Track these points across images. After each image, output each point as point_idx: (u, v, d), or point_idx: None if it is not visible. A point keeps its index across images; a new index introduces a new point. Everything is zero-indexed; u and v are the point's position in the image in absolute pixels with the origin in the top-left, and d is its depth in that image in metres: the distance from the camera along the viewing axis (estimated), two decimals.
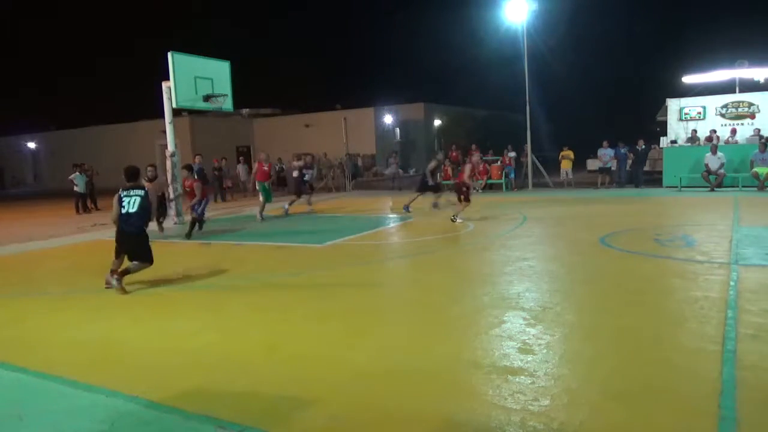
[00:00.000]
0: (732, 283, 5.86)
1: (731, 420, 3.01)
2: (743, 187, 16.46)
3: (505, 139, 24.58)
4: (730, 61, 21.22)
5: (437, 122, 40.02)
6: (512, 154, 21.64)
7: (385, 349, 4.42)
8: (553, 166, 21.94)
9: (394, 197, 19.25)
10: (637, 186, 18.66)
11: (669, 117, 19.97)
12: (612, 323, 4.84)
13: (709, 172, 16.78)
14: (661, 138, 21.11)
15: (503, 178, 20.49)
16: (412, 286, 6.89)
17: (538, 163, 21.33)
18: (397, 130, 38.77)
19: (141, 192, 6.71)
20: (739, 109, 18.73)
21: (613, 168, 19.83)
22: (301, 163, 15.10)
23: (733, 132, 18.30)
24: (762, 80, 20.35)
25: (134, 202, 6.61)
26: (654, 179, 19.76)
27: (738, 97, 19.11)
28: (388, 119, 38.04)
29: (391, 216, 13.87)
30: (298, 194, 14.87)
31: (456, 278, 6.82)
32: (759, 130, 17.61)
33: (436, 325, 4.99)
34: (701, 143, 18.17)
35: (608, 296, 5.77)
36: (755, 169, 16.13)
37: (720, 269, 6.59)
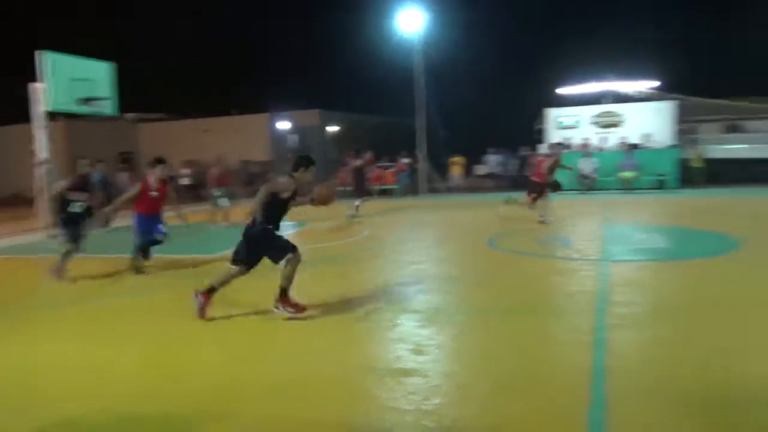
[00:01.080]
0: (602, 278, 6.42)
1: (601, 404, 3.30)
2: (612, 189, 18.12)
3: (402, 145, 25.15)
4: (600, 75, 23.17)
5: (333, 128, 40.10)
6: (406, 160, 22.19)
7: (280, 361, 4.36)
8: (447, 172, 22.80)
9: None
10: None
11: (547, 125, 21.44)
12: (499, 320, 5.11)
13: (583, 176, 18.34)
14: (538, 145, 22.61)
15: (397, 183, 20.98)
16: (305, 293, 6.85)
17: (433, 169, 22.06)
18: (292, 136, 38.36)
19: None
20: (609, 119, 20.52)
21: (499, 173, 21.02)
22: (188, 171, 14.52)
23: (604, 139, 20.04)
24: (631, 92, 22.39)
25: None
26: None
27: (607, 107, 20.94)
28: (283, 125, 37.57)
29: (288, 223, 13.68)
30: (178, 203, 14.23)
31: (349, 284, 6.86)
32: (625, 138, 19.40)
33: (330, 332, 5.00)
34: (576, 150, 19.71)
35: (496, 295, 6.08)
36: (622, 174, 17.86)
37: (592, 265, 7.20)
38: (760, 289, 5.83)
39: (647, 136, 19.21)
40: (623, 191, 17.67)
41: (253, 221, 5.10)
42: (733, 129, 24.17)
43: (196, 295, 5.25)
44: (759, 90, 24.87)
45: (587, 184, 18.30)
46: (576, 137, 20.17)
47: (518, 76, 44.73)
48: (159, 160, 7.62)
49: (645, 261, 7.46)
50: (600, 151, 19.30)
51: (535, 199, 10.95)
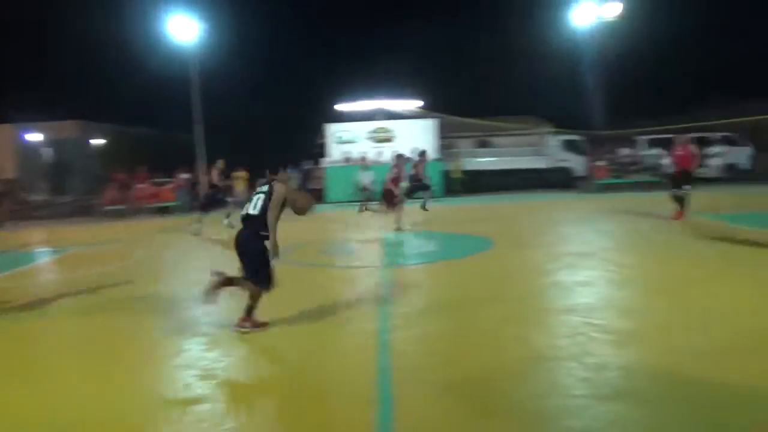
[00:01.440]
0: (384, 283, 6.84)
1: (388, 404, 3.49)
2: None
3: (179, 159, 23.74)
4: (373, 94, 24.85)
5: (98, 141, 36.15)
6: (186, 175, 21.03)
7: (59, 402, 3.74)
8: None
9: (53, 228, 16.61)
10: None
11: (327, 140, 22.28)
12: (285, 334, 5.09)
13: (361, 188, 19.41)
14: (321, 159, 23.38)
15: (177, 200, 19.75)
16: (82, 328, 6.03)
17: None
18: (46, 150, 33.58)
19: None
20: (382, 134, 22.10)
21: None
22: None
23: (379, 153, 21.49)
24: (400, 110, 24.37)
25: None
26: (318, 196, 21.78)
27: (381, 124, 22.53)
28: (34, 137, 32.68)
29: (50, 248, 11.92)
30: None
31: (130, 312, 6.23)
32: (397, 151, 21.05)
33: (111, 366, 4.46)
34: (355, 163, 20.82)
35: (281, 308, 6.04)
36: (402, 185, 19.31)
37: (375, 272, 7.62)
38: (511, 281, 6.79)
39: (416, 150, 21.09)
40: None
41: (253, 233, 4.88)
42: (484, 144, 27.90)
43: (242, 326, 4.98)
44: (504, 111, 29.16)
45: (366, 196, 19.42)
46: (354, 151, 21.28)
47: (301, 92, 45.68)
48: None
49: (420, 264, 8.16)
50: (377, 165, 20.66)
51: (390, 207, 11.56)
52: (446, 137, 26.05)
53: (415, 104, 23.98)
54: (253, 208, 4.96)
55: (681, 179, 11.07)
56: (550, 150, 23.59)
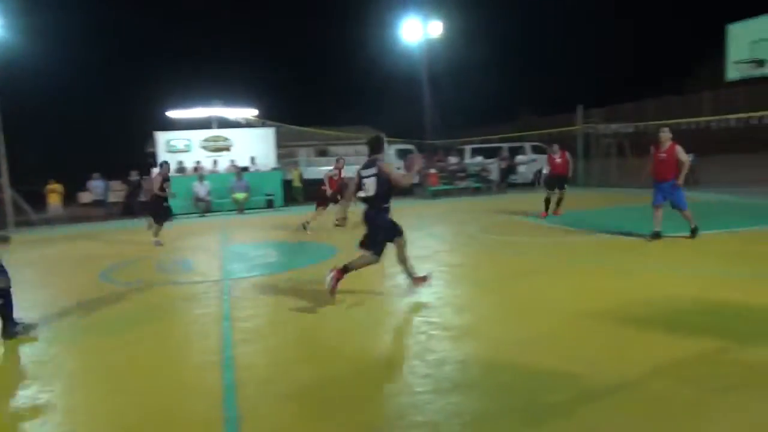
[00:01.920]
0: (225, 297, 6.57)
1: (234, 420, 3.35)
2: (227, 210, 18.81)
3: None
4: (207, 100, 23.81)
5: None
6: None
7: None
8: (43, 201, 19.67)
9: None
10: (135, 216, 18.75)
11: (158, 149, 20.85)
12: (123, 357, 4.66)
13: (198, 199, 18.51)
14: (152, 169, 21.84)
15: None
16: None
17: (20, 199, 18.68)
18: None
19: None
20: (218, 143, 21.25)
21: (108, 200, 19.44)
22: None
23: (215, 163, 20.64)
24: (236, 118, 23.61)
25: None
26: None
27: (216, 132, 21.66)
28: None
29: None
30: None
31: None
32: (234, 161, 20.40)
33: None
34: (190, 173, 19.75)
35: (120, 331, 5.52)
36: (235, 195, 18.71)
37: (215, 285, 7.29)
38: (356, 286, 6.93)
39: (253, 159, 20.67)
40: (237, 212, 18.55)
41: (376, 208, 5.65)
42: (323, 153, 28.24)
43: (331, 272, 5.65)
44: (341, 121, 29.78)
45: (202, 207, 18.55)
46: (188, 161, 20.20)
47: (126, 98, 42.27)
48: None
49: (263, 275, 7.97)
50: (212, 174, 19.82)
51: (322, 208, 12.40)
52: (285, 146, 25.90)
53: (251, 112, 23.47)
54: (368, 191, 5.79)
55: (556, 183, 12.50)
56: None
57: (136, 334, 5.35)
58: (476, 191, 21.81)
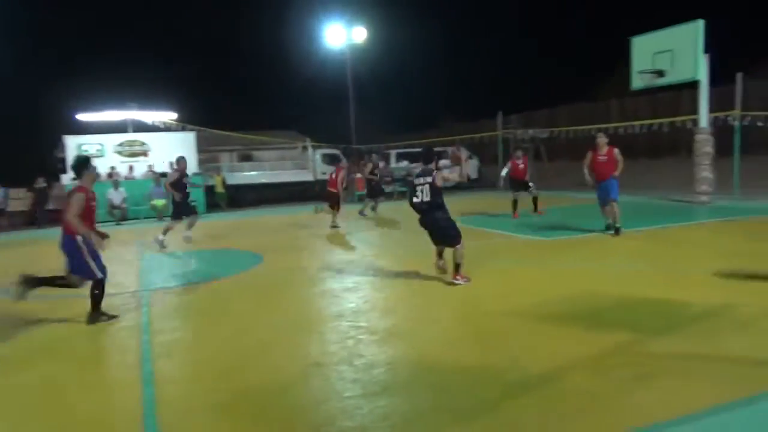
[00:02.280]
0: (144, 309, 6.27)
1: None
2: (145, 218, 17.98)
3: None
4: (121, 103, 22.72)
5: None
6: None
7: None
8: None
9: None
10: (39, 226, 17.58)
11: (68, 153, 19.65)
12: (37, 377, 4.34)
13: (113, 206, 17.59)
14: (61, 175, 20.56)
15: None
16: None
17: None
18: None
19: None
20: (134, 148, 20.31)
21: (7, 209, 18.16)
22: None
23: (131, 168, 19.69)
24: (152, 122, 22.66)
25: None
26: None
27: (132, 136, 20.69)
28: None
29: None
30: None
31: None
32: (152, 166, 19.57)
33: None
34: (103, 180, 18.73)
35: (33, 351, 5.14)
36: (153, 202, 17.92)
37: (132, 298, 6.94)
38: (282, 292, 6.82)
39: (173, 165, 19.93)
40: (156, 220, 17.77)
41: (436, 209, 6.53)
42: (246, 158, 27.63)
43: (456, 279, 6.57)
44: (265, 125, 29.27)
45: (118, 215, 17.66)
46: (102, 166, 19.16)
47: (32, 99, 39.54)
48: None
49: (185, 284, 7.68)
50: (128, 181, 18.91)
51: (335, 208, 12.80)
52: (206, 151, 25.16)
53: (169, 116, 22.62)
54: (424, 196, 6.55)
55: (520, 185, 13.05)
56: (312, 163, 24.35)
57: (48, 351, 5.01)
58: (402, 195, 22.07)
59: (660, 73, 13.75)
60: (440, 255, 6.82)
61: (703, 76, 13.25)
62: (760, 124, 15.86)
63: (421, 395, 3.67)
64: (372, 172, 15.99)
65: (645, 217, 11.82)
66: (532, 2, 54.66)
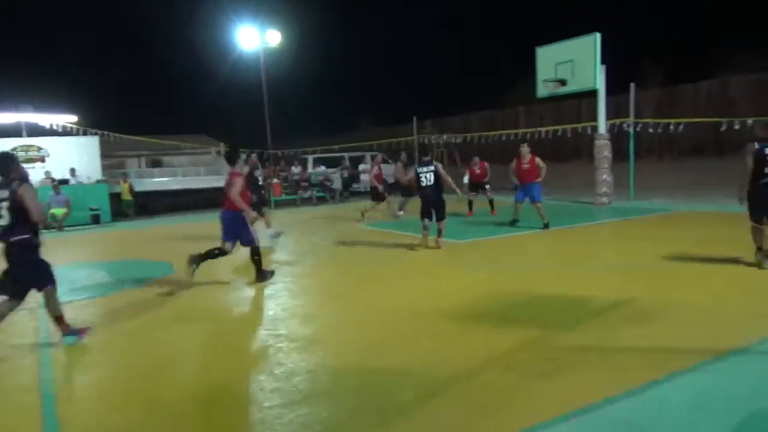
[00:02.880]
0: (43, 326, 5.84)
1: None
2: (44, 228, 16.70)
3: None
4: (14, 104, 21.08)
5: None
6: None
7: None
8: None
9: None
10: None
11: None
12: None
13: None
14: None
15: None
16: None
17: None
18: None
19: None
20: (29, 153, 18.90)
21: None
22: None
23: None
24: (50, 125, 21.15)
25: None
26: None
27: (27, 140, 19.24)
28: None
29: None
30: None
31: None
32: (50, 173, 18.29)
33: None
34: None
35: None
36: (52, 211, 16.68)
37: (29, 314, 6.44)
38: (197, 303, 6.58)
39: (74, 171, 18.75)
40: (56, 229, 16.60)
41: (437, 191, 8.91)
42: (156, 164, 26.44)
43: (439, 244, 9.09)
44: (175, 129, 28.14)
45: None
46: None
47: None
48: None
49: (89, 298, 7.23)
50: None
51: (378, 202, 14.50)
52: (111, 156, 23.88)
53: (68, 119, 21.21)
54: (429, 181, 8.76)
55: (477, 187, 13.87)
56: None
57: None
58: (320, 200, 21.97)
59: (563, 83, 14.58)
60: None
61: (600, 85, 14.18)
62: (651, 130, 17.22)
63: (342, 401, 3.67)
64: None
65: (552, 217, 12.48)
66: (444, 12, 56.30)
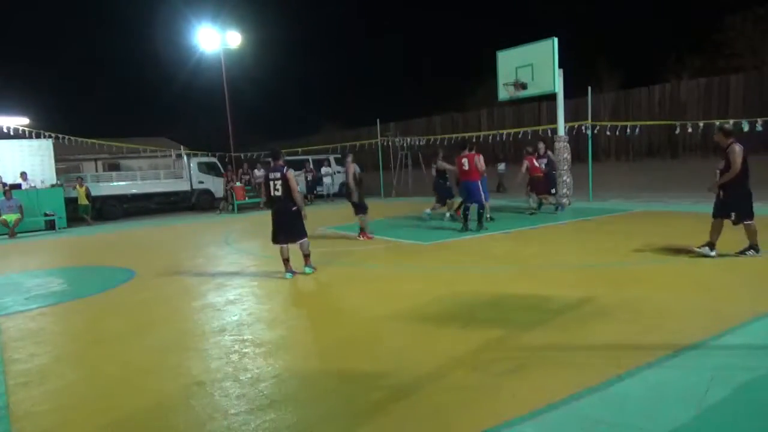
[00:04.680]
0: None
1: None
2: None
3: None
4: None
5: None
6: None
7: None
8: None
9: None
10: None
11: None
12: None
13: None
14: None
15: None
16: None
17: None
18: None
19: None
20: None
21: None
22: None
23: None
24: (3, 128, 20.31)
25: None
26: None
27: None
28: None
29: None
30: None
31: None
32: (0, 177, 17.59)
33: None
34: None
35: None
36: (4, 217, 16.04)
37: None
38: (160, 309, 6.43)
39: (25, 175, 18.09)
40: (8, 236, 15.98)
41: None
42: (113, 167, 25.69)
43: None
44: (134, 132, 27.47)
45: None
46: None
47: None
48: None
49: (45, 306, 6.98)
50: None
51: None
52: (66, 160, 23.15)
53: (19, 121, 20.43)
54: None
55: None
56: (187, 172, 23.22)
57: None
58: None
59: (523, 86, 14.83)
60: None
61: (559, 89, 14.48)
62: (608, 132, 17.69)
63: (309, 405, 3.64)
64: None
65: (512, 218, 12.68)
66: (407, 15, 56.66)
